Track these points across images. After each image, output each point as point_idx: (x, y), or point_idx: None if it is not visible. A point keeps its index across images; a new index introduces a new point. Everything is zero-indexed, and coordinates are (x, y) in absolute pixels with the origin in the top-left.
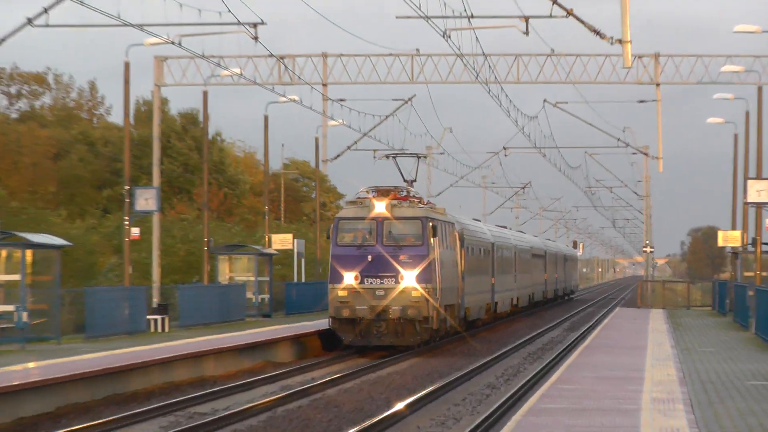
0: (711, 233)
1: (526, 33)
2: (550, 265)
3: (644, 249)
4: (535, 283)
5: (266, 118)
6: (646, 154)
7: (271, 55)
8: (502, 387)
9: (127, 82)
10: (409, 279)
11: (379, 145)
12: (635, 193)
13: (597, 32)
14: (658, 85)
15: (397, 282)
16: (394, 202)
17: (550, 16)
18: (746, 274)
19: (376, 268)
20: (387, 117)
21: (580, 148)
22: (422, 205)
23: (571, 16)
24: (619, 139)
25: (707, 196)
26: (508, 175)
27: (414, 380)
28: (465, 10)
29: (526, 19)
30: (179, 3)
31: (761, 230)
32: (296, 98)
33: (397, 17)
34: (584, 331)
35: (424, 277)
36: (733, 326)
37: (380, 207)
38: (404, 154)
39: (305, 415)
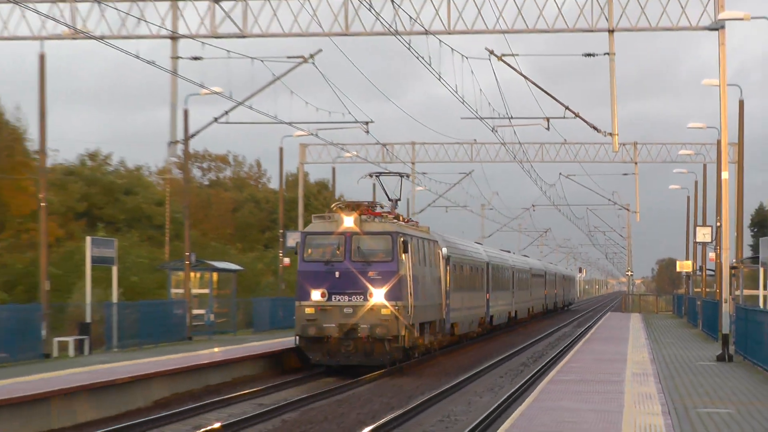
0: (671, 262)
1: (548, 128)
2: (549, 283)
3: (627, 272)
4: (534, 298)
5: (374, 186)
6: (627, 209)
7: (377, 143)
8: (529, 367)
9: (281, 161)
10: (378, 296)
11: (450, 203)
12: (620, 235)
13: (595, 128)
14: (636, 163)
15: (365, 299)
16: (364, 217)
17: (564, 117)
18: (695, 290)
19: (344, 284)
20: (454, 185)
21: (583, 206)
22: (395, 221)
23: (578, 117)
24: (609, 199)
25: (669, 237)
26: (535, 224)
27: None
28: (507, 113)
29: (548, 119)
30: (316, 107)
31: (705, 261)
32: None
33: (461, 118)
34: (586, 328)
35: (394, 295)
36: (687, 325)
37: (348, 221)
38: (387, 173)
39: (401, 383)
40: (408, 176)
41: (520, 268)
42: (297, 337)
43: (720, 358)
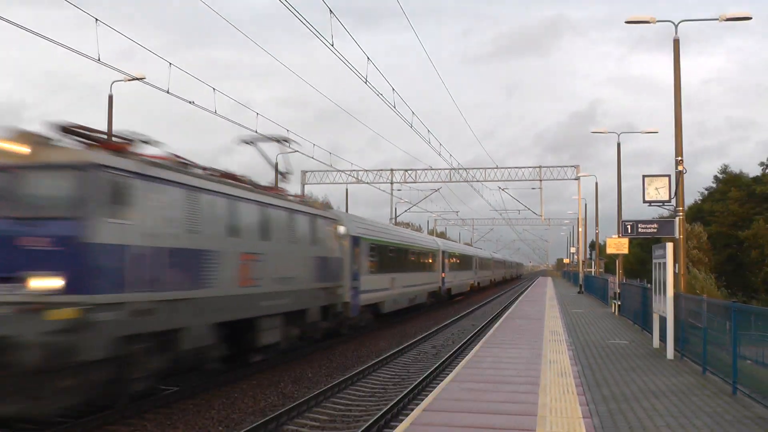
0: (562, 259)
1: (518, 213)
2: (508, 266)
3: (546, 263)
4: (495, 274)
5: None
6: (547, 242)
7: (464, 219)
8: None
9: (428, 226)
10: (43, 284)
11: (485, 240)
12: (544, 250)
13: (536, 213)
14: (549, 226)
15: (19, 290)
16: (43, 140)
17: (526, 209)
18: (571, 269)
19: None
20: (486, 234)
21: (531, 241)
22: (109, 150)
23: (530, 210)
24: (541, 238)
25: (561, 250)
26: (513, 247)
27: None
28: (505, 209)
29: (519, 210)
30: (441, 208)
31: (573, 258)
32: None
33: (490, 209)
34: (527, 286)
35: (83, 281)
36: (568, 282)
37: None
38: (264, 137)
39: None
40: (287, 141)
41: (483, 257)
42: None
43: (579, 293)
